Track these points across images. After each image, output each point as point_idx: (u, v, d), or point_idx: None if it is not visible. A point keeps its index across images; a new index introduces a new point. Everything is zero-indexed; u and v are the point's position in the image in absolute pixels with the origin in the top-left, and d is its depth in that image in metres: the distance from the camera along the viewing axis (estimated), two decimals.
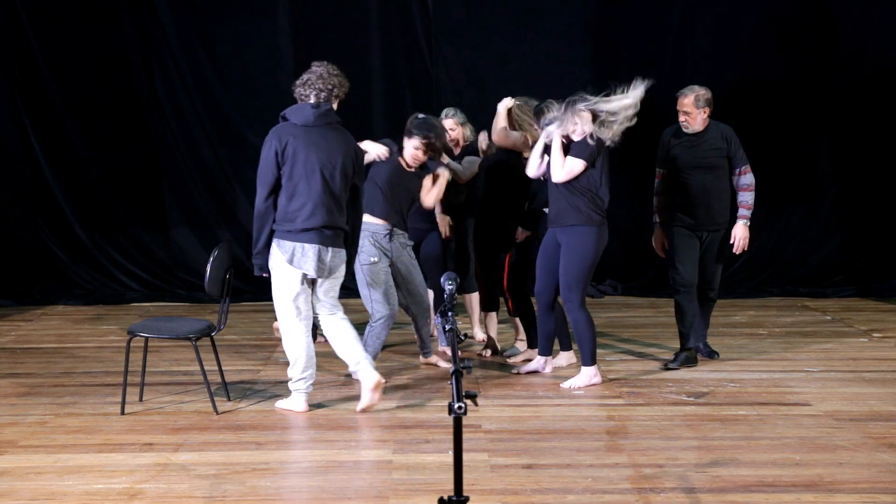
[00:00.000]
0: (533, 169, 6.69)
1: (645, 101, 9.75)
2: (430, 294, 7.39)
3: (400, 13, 9.82)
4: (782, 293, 9.84)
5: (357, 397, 6.28)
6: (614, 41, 9.90)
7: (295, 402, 6.16)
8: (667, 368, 7.06)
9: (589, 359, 6.69)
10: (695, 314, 7.14)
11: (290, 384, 6.16)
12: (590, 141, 6.47)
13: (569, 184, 6.49)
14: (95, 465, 5.26)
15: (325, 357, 6.78)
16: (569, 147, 6.51)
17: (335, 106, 6.07)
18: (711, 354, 7.38)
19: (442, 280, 4.27)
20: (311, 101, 6.05)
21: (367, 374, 6.07)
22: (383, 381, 6.15)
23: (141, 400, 6.37)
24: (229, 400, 6.35)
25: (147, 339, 6.28)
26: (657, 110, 9.77)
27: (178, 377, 6.96)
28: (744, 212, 7.10)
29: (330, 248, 5.96)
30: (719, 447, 5.48)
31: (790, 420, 5.96)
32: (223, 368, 6.45)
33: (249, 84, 9.78)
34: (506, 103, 7.06)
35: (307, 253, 5.91)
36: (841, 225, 10.03)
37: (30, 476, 5.12)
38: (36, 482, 5.03)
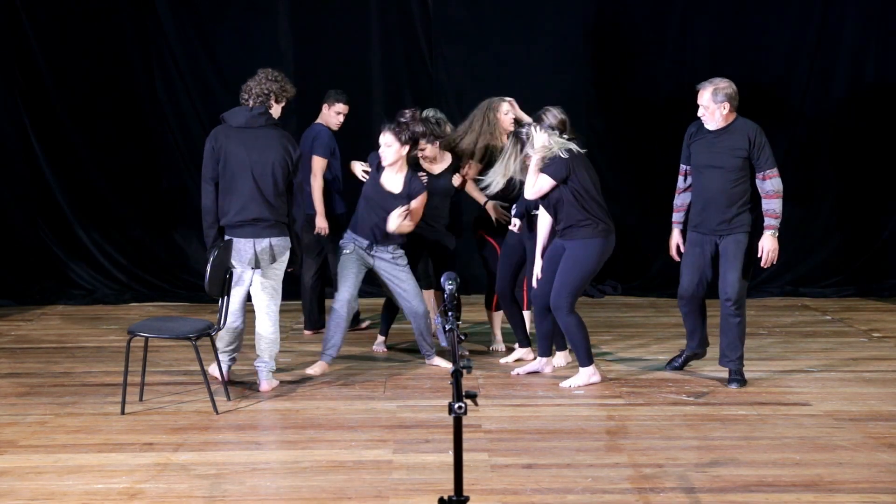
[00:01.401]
0: (529, 192, 6.68)
1: (645, 101, 9.77)
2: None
3: (400, 13, 9.82)
4: (782, 293, 9.84)
5: (358, 397, 6.28)
6: (614, 41, 9.90)
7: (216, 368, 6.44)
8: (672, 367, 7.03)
9: (585, 359, 6.69)
10: (694, 326, 6.79)
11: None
12: (562, 155, 6.48)
13: (573, 198, 6.50)
14: (95, 464, 5.26)
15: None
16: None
17: (278, 109, 6.56)
18: (732, 381, 6.64)
19: (442, 280, 4.27)
20: (249, 104, 6.46)
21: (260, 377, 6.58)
22: (268, 388, 6.54)
23: (141, 400, 6.37)
24: (229, 400, 6.35)
25: (147, 339, 6.28)
26: (657, 110, 9.83)
27: (178, 377, 6.96)
28: (771, 221, 6.59)
29: (266, 240, 6.38)
30: (719, 447, 5.48)
31: (790, 420, 5.96)
32: (223, 368, 6.44)
33: None
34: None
35: (240, 246, 6.35)
36: (841, 225, 10.03)
37: (30, 476, 5.12)
38: (36, 482, 5.03)
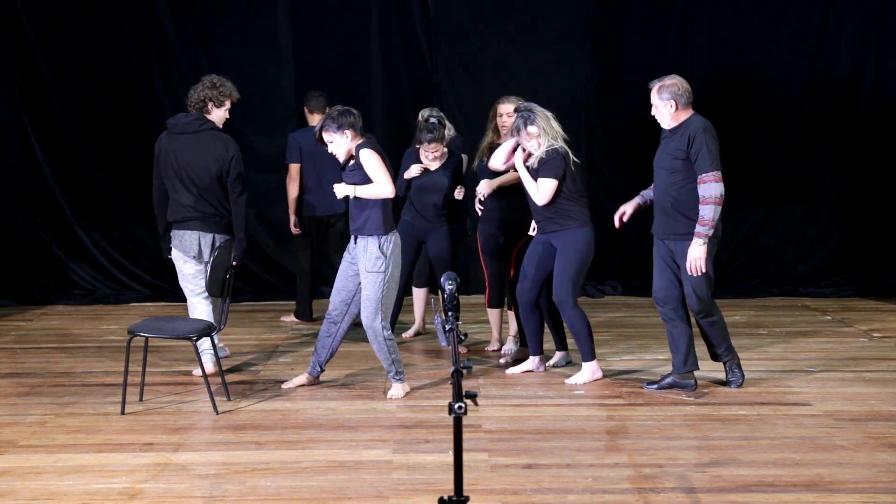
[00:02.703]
0: (499, 162, 6.75)
1: (645, 101, 9.77)
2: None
3: (400, 13, 9.82)
4: (782, 293, 9.84)
5: (358, 397, 6.28)
6: (614, 41, 9.90)
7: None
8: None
9: (589, 354, 6.74)
10: (678, 334, 6.46)
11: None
12: (556, 147, 6.51)
13: (565, 190, 6.54)
14: (95, 464, 5.26)
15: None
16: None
17: (221, 112, 7.04)
18: (729, 377, 6.57)
19: (442, 280, 4.27)
20: (188, 111, 7.04)
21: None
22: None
23: (141, 400, 6.37)
24: (229, 400, 6.35)
25: (147, 338, 6.28)
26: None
27: (178, 377, 6.96)
28: (698, 228, 6.12)
29: (209, 234, 6.90)
30: (719, 447, 5.48)
31: (790, 420, 5.96)
32: (223, 368, 6.44)
33: (249, 84, 9.75)
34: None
35: (183, 237, 6.91)
36: (841, 225, 10.04)
37: (30, 476, 5.11)
38: (36, 482, 5.03)
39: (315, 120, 8.27)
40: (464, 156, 7.61)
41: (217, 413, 6.09)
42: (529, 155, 6.62)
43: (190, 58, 9.72)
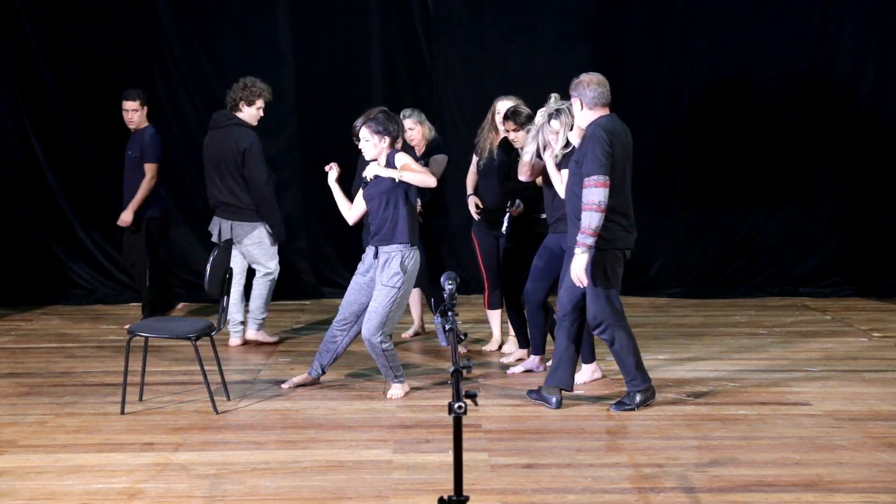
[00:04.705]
0: (524, 175, 6.66)
1: (645, 101, 9.76)
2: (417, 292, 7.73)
3: (400, 13, 9.82)
4: (782, 293, 9.84)
5: (358, 397, 6.28)
6: (614, 41, 9.90)
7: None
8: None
9: (589, 356, 6.74)
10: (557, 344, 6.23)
11: None
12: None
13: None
14: (95, 464, 5.26)
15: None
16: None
17: (252, 110, 7.72)
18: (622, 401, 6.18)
19: (442, 279, 4.26)
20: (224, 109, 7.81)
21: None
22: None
23: (141, 400, 6.37)
24: (229, 400, 6.35)
25: (147, 338, 6.28)
26: (657, 110, 9.84)
27: (178, 377, 6.96)
28: (578, 236, 5.77)
29: (228, 221, 7.65)
30: (719, 447, 5.48)
31: (790, 420, 5.96)
32: (223, 368, 6.45)
33: None
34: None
35: (213, 222, 7.79)
36: (841, 225, 10.04)
37: (30, 476, 5.11)
38: (36, 482, 5.03)
39: (130, 108, 8.34)
40: (442, 156, 7.56)
41: (217, 413, 6.09)
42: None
43: (190, 58, 9.72)
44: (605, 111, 5.98)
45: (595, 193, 5.74)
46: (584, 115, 5.99)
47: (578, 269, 5.81)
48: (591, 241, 5.77)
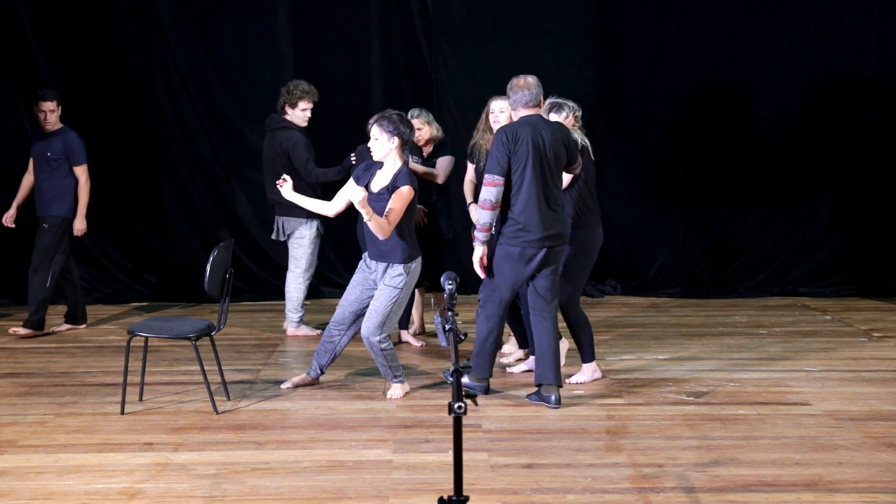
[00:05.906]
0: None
1: (645, 101, 9.75)
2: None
3: (400, 13, 9.81)
4: (782, 293, 9.85)
5: (358, 397, 6.29)
6: (614, 41, 9.90)
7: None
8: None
9: (589, 355, 6.73)
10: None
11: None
12: (582, 143, 6.53)
13: (585, 187, 6.52)
14: (95, 464, 5.27)
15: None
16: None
17: (297, 112, 8.06)
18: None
19: (442, 279, 4.26)
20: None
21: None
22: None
23: (141, 400, 6.37)
24: (229, 400, 6.36)
25: (147, 338, 6.28)
26: (657, 110, 9.84)
27: (178, 377, 6.96)
28: (475, 232, 6.18)
29: (281, 218, 8.08)
30: (719, 447, 5.49)
31: (790, 420, 5.96)
32: (223, 368, 6.45)
33: (249, 84, 9.78)
34: None
35: (275, 221, 8.16)
36: (841, 225, 10.04)
37: (30, 476, 5.12)
38: (36, 482, 5.04)
39: (48, 108, 8.23)
40: (449, 157, 7.56)
41: (217, 413, 6.09)
42: None
43: (190, 58, 9.72)
44: (532, 111, 6.19)
45: (486, 192, 6.05)
46: (515, 115, 6.26)
47: (473, 260, 6.19)
48: (482, 236, 6.11)
